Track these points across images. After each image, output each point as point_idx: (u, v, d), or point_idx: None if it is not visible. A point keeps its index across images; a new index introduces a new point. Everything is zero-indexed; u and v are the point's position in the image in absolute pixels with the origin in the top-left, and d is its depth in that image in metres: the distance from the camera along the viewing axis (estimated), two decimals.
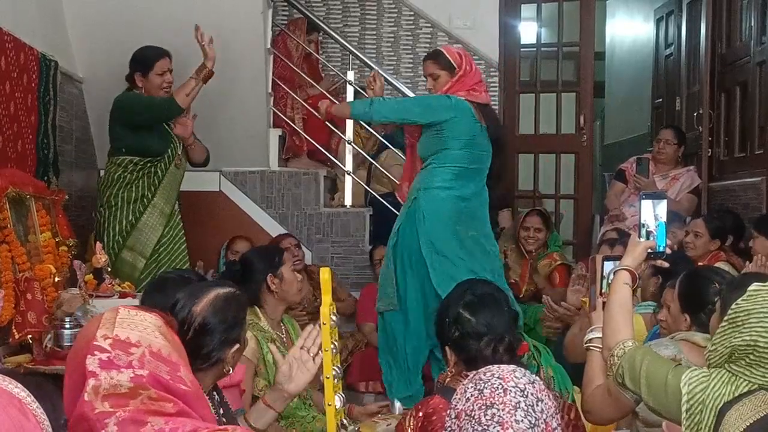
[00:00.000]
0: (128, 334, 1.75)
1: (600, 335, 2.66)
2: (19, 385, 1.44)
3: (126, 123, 4.62)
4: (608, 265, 2.72)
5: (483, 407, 1.77)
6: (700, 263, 4.60)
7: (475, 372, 1.88)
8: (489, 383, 1.81)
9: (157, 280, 3.19)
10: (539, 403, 1.80)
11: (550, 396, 1.86)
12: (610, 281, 2.66)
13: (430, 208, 4.35)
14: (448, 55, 4.46)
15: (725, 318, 2.07)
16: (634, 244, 2.62)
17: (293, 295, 3.59)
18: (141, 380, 1.69)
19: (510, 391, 1.78)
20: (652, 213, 2.64)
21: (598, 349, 2.65)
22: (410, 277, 4.39)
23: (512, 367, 1.86)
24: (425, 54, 6.59)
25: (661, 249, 2.64)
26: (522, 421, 1.75)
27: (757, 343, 2.00)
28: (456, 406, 1.84)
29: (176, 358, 1.77)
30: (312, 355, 2.42)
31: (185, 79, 4.67)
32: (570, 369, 3.90)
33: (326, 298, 2.16)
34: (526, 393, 1.79)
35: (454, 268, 4.26)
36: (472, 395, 1.81)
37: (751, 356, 2.02)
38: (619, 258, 2.66)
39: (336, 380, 2.18)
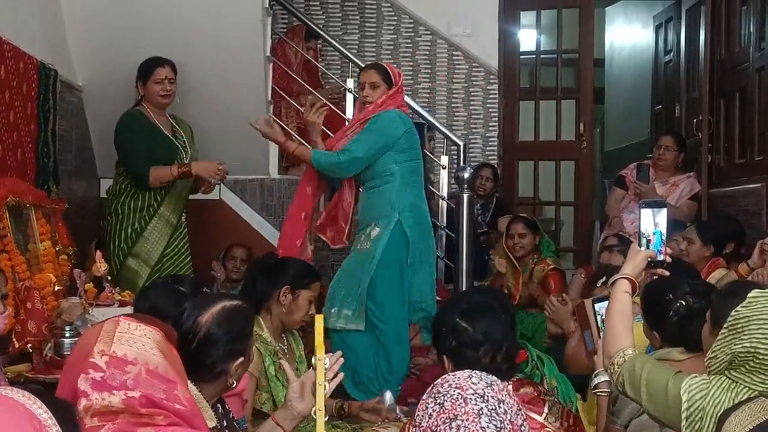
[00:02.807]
0: (126, 351, 1.75)
1: (605, 379, 2.70)
2: (43, 405, 1.44)
3: None
4: (600, 307, 2.72)
5: (447, 420, 1.75)
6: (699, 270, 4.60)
7: (432, 384, 1.86)
8: (448, 395, 1.78)
9: (147, 285, 3.19)
10: (501, 405, 1.78)
11: (511, 393, 1.84)
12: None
13: (415, 228, 4.45)
14: (389, 70, 4.59)
15: (725, 325, 2.07)
16: (634, 252, 2.62)
17: (294, 321, 3.53)
18: (132, 402, 1.70)
19: (470, 399, 1.76)
20: (652, 221, 2.64)
21: (605, 394, 2.69)
22: (393, 296, 4.44)
23: (468, 373, 1.83)
24: (425, 60, 6.62)
25: (660, 257, 2.63)
26: (488, 426, 1.74)
27: (758, 349, 2.00)
28: (420, 423, 1.81)
29: (173, 376, 1.77)
30: (327, 379, 2.42)
31: (185, 84, 4.71)
32: (572, 379, 3.90)
33: (319, 339, 2.30)
34: (486, 398, 1.77)
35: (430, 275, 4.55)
36: (434, 410, 1.78)
37: (752, 363, 2.02)
38: (607, 298, 2.66)
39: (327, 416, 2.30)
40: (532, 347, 3.86)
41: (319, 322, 2.32)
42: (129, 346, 1.77)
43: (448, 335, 2.58)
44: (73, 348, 1.88)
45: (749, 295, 2.07)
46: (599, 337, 2.72)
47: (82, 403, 1.70)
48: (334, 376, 2.44)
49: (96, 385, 1.71)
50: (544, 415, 2.51)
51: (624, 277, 2.55)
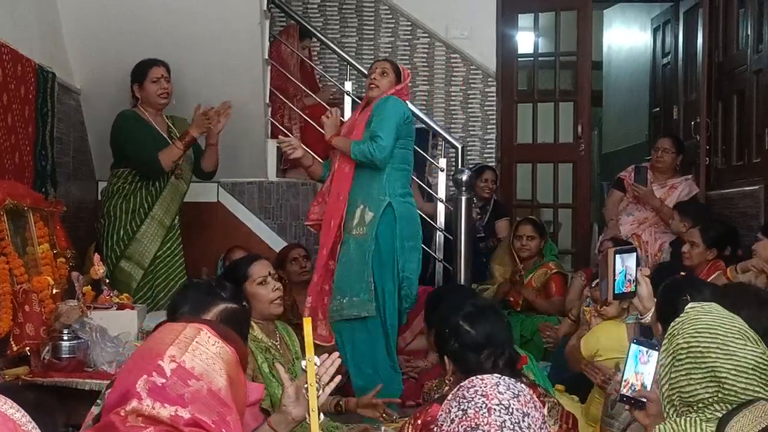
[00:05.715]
0: (195, 364, 1.73)
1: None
2: (15, 404, 1.42)
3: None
4: (621, 259, 2.73)
5: (468, 429, 1.71)
6: (699, 273, 4.60)
7: (458, 386, 1.83)
8: (472, 402, 1.75)
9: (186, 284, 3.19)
10: (525, 418, 1.73)
11: (537, 406, 1.80)
12: (631, 278, 2.68)
13: (405, 214, 4.49)
14: (400, 68, 4.70)
15: (663, 340, 2.09)
16: None
17: (267, 309, 3.38)
18: (178, 420, 1.67)
19: (494, 410, 1.72)
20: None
21: None
22: (388, 281, 4.45)
23: (495, 380, 1.79)
24: (423, 63, 6.61)
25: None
26: None
27: (690, 344, 2.00)
28: (441, 426, 1.78)
29: (231, 402, 1.75)
30: (323, 384, 2.41)
31: (182, 87, 4.73)
32: (572, 378, 3.90)
33: (308, 340, 2.31)
34: (510, 410, 1.73)
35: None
36: (456, 416, 1.75)
37: (689, 354, 2.00)
38: (632, 249, 2.63)
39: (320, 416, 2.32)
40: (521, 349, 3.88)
41: (307, 324, 2.32)
42: (200, 360, 1.74)
43: (450, 337, 2.58)
44: (149, 337, 1.85)
45: (686, 308, 2.10)
46: (613, 288, 2.75)
47: (132, 403, 1.68)
48: (331, 379, 2.43)
49: (153, 391, 1.68)
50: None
51: None
